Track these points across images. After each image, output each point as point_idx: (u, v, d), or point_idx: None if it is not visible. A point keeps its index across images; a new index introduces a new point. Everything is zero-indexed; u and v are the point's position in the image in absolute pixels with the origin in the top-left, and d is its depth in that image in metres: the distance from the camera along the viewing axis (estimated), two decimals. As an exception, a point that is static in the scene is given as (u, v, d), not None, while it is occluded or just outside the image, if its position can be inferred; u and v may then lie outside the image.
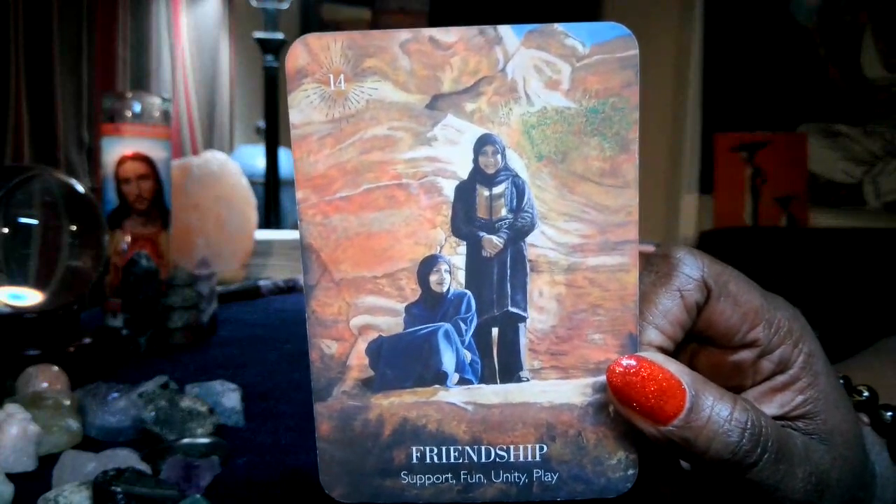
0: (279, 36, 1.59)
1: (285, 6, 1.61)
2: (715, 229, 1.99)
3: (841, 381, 0.31)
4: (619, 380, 0.24)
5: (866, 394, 0.31)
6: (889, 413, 0.30)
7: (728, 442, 0.24)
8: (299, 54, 0.24)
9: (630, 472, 0.26)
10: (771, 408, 0.26)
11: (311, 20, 2.04)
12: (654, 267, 0.27)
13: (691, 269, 0.26)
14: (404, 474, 0.26)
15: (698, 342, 0.28)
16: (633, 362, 0.24)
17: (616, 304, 0.25)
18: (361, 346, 0.26)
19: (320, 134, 0.25)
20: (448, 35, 0.24)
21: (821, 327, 0.28)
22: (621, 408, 0.25)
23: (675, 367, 0.24)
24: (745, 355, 0.27)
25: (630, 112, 0.24)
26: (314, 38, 0.24)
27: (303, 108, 0.24)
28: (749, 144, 2.01)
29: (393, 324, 0.25)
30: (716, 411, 0.24)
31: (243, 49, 1.91)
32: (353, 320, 0.25)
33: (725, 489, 0.26)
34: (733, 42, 2.03)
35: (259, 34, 1.60)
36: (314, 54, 0.24)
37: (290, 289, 1.15)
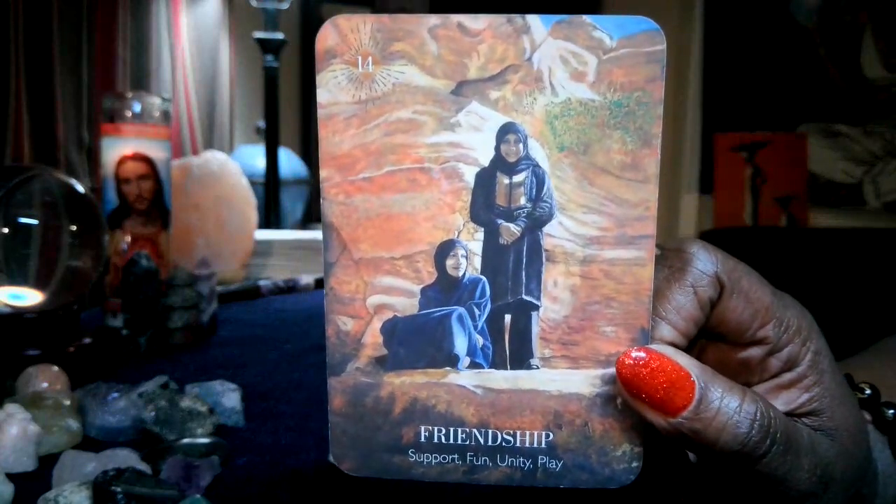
0: (279, 36, 1.59)
1: (285, 6, 1.61)
2: (715, 229, 1.99)
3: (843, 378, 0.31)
4: (628, 371, 0.24)
5: (868, 391, 0.31)
6: (891, 411, 0.30)
7: (737, 433, 0.24)
8: (329, 35, 0.24)
9: (634, 464, 0.26)
10: (777, 404, 0.26)
11: (312, 20, 2.04)
12: (668, 262, 0.27)
13: (705, 264, 0.26)
14: (412, 452, 0.26)
15: (707, 338, 0.28)
16: (642, 354, 0.24)
17: (630, 298, 0.25)
18: (376, 324, 0.26)
19: (346, 114, 0.25)
20: (477, 22, 0.24)
21: (821, 327, 0.28)
22: (630, 399, 0.25)
23: (684, 360, 0.24)
24: (754, 352, 0.27)
25: (654, 107, 0.24)
26: (344, 20, 0.24)
27: (330, 88, 0.25)
28: (749, 144, 2.01)
29: (408, 305, 0.26)
30: (725, 403, 0.24)
31: (243, 49, 1.91)
32: (369, 299, 0.26)
33: (733, 481, 0.26)
34: (733, 42, 2.03)
35: (259, 34, 1.60)
36: (344, 35, 0.24)
37: (290, 289, 1.15)
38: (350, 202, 0.25)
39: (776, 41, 1.98)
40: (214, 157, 1.17)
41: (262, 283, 1.13)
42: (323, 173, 0.25)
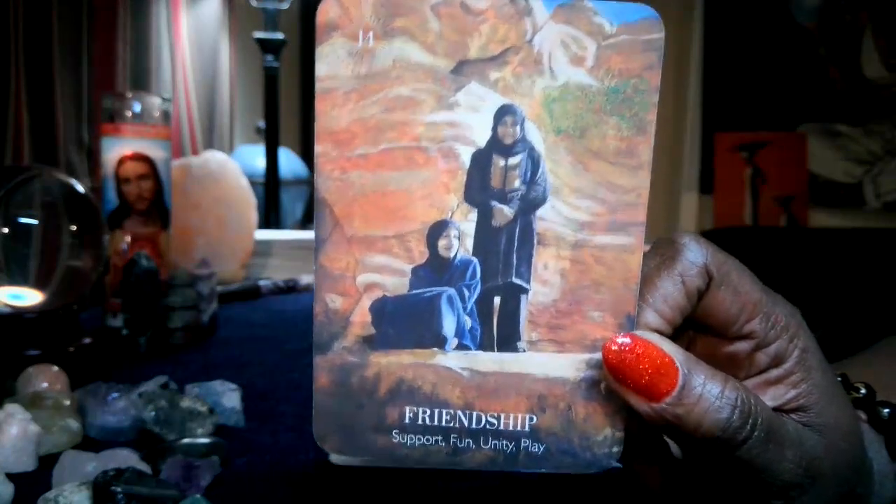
0: (279, 36, 1.59)
1: (285, 6, 1.61)
2: (715, 229, 1.99)
3: (838, 378, 0.31)
4: (614, 357, 0.25)
5: (863, 391, 0.31)
6: (886, 410, 0.30)
7: (718, 418, 0.24)
8: (331, 7, 0.24)
9: (615, 449, 0.26)
10: (764, 399, 0.27)
11: (311, 20, 2.04)
12: (659, 250, 0.27)
13: (695, 255, 0.26)
14: (396, 433, 0.26)
15: (696, 330, 0.28)
16: (628, 340, 0.25)
17: (618, 284, 0.25)
18: (366, 303, 0.26)
19: (345, 89, 0.25)
20: (480, 2, 0.24)
21: (821, 327, 0.28)
22: (615, 384, 0.25)
23: (668, 346, 0.25)
24: (741, 347, 0.27)
25: (650, 94, 0.24)
26: None
27: (330, 61, 0.24)
28: (749, 144, 2.01)
29: (399, 284, 0.26)
30: (707, 389, 0.24)
31: (243, 49, 1.91)
32: (359, 277, 0.26)
33: (716, 470, 0.26)
34: (733, 42, 2.03)
35: (259, 34, 1.60)
36: (346, 8, 0.24)
37: (290, 289, 1.15)
38: (345, 178, 0.25)
39: (776, 41, 1.99)
40: (214, 157, 1.17)
41: (262, 283, 1.13)
42: (318, 148, 0.25)
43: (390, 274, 0.26)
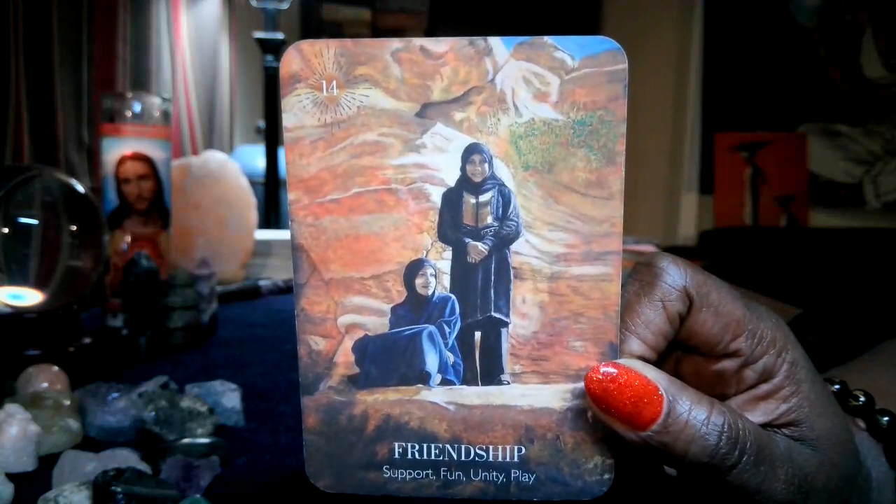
0: (279, 36, 1.59)
1: (285, 6, 1.61)
2: (715, 229, 1.99)
3: (838, 386, 0.31)
4: (597, 387, 0.25)
5: (862, 399, 0.31)
6: (885, 418, 0.30)
7: (706, 445, 0.24)
8: (293, 60, 0.25)
9: (606, 476, 0.26)
10: (755, 416, 0.27)
11: (311, 20, 2.04)
12: (638, 276, 0.27)
13: (674, 278, 0.26)
14: (386, 468, 0.27)
15: (682, 350, 0.28)
16: (610, 369, 0.25)
17: (598, 313, 0.26)
18: (348, 343, 0.26)
19: (312, 138, 0.25)
20: (439, 45, 0.25)
21: (821, 327, 0.28)
22: (600, 414, 0.25)
23: (652, 373, 0.25)
24: (728, 365, 0.27)
25: (617, 125, 0.25)
26: (307, 45, 0.25)
27: (296, 112, 0.25)
28: (749, 144, 2.01)
29: (379, 324, 0.26)
30: (693, 415, 0.24)
31: (243, 49, 1.91)
32: (340, 319, 0.26)
33: (708, 492, 0.26)
34: (733, 42, 2.03)
35: (259, 34, 1.60)
36: (307, 60, 0.25)
37: (290, 289, 1.15)
38: (318, 224, 0.26)
39: (776, 41, 1.99)
40: (214, 157, 1.17)
41: (262, 283, 1.13)
42: (291, 196, 0.26)
43: (370, 314, 0.26)
